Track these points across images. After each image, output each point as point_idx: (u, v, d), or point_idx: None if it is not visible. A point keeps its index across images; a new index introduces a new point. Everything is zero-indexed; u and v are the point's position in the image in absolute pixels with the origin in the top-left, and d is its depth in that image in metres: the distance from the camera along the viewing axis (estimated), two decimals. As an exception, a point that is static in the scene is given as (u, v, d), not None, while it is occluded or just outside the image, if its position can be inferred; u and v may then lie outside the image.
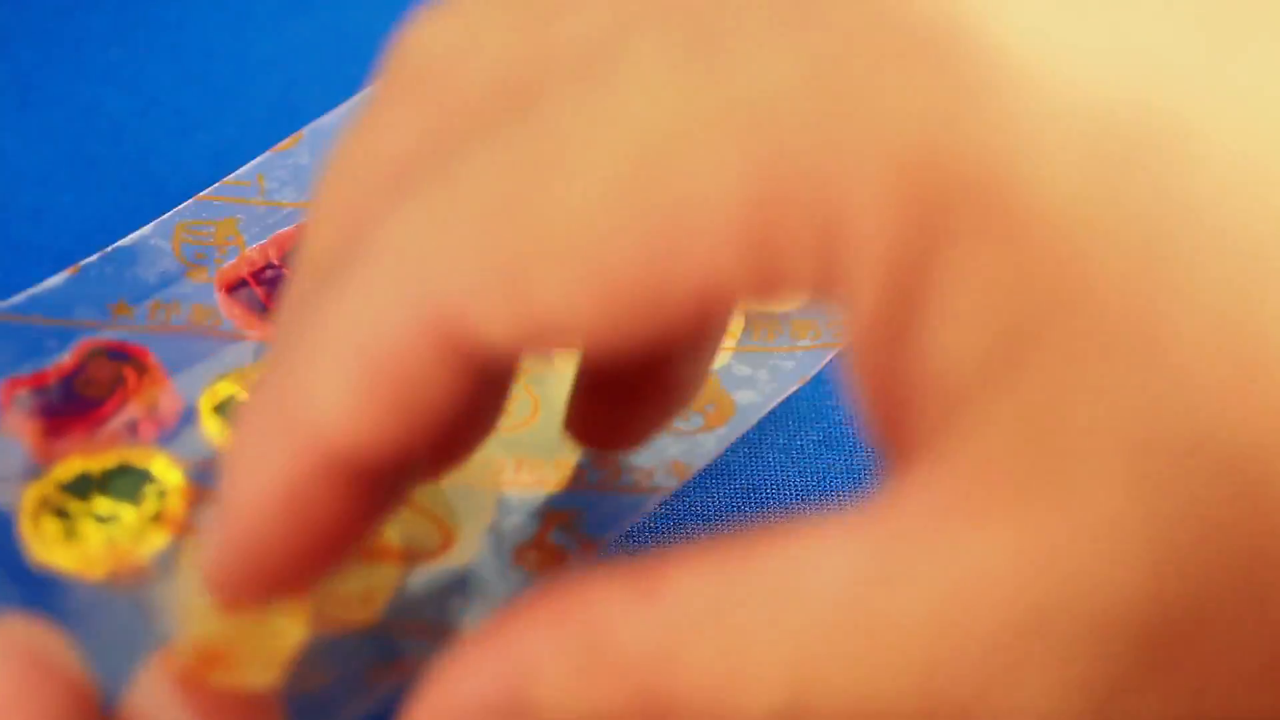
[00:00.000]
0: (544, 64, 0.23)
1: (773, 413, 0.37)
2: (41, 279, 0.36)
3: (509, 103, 0.23)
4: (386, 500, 0.25)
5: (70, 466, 0.33)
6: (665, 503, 0.36)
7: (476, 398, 0.24)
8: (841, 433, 0.37)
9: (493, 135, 0.22)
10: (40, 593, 0.31)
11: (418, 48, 0.25)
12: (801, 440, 0.37)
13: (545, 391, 0.35)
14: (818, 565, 0.21)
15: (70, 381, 0.34)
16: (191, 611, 0.30)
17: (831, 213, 0.21)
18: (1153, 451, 0.20)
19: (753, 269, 0.21)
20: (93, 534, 0.32)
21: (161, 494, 0.33)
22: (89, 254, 0.37)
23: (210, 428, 0.34)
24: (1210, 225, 0.20)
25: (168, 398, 0.34)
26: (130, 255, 0.36)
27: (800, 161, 0.21)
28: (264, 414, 0.24)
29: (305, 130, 0.38)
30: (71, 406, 0.34)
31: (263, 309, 0.36)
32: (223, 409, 0.34)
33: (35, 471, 0.33)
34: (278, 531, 0.24)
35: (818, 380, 0.38)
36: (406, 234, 0.22)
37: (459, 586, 0.32)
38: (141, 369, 0.34)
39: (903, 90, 0.20)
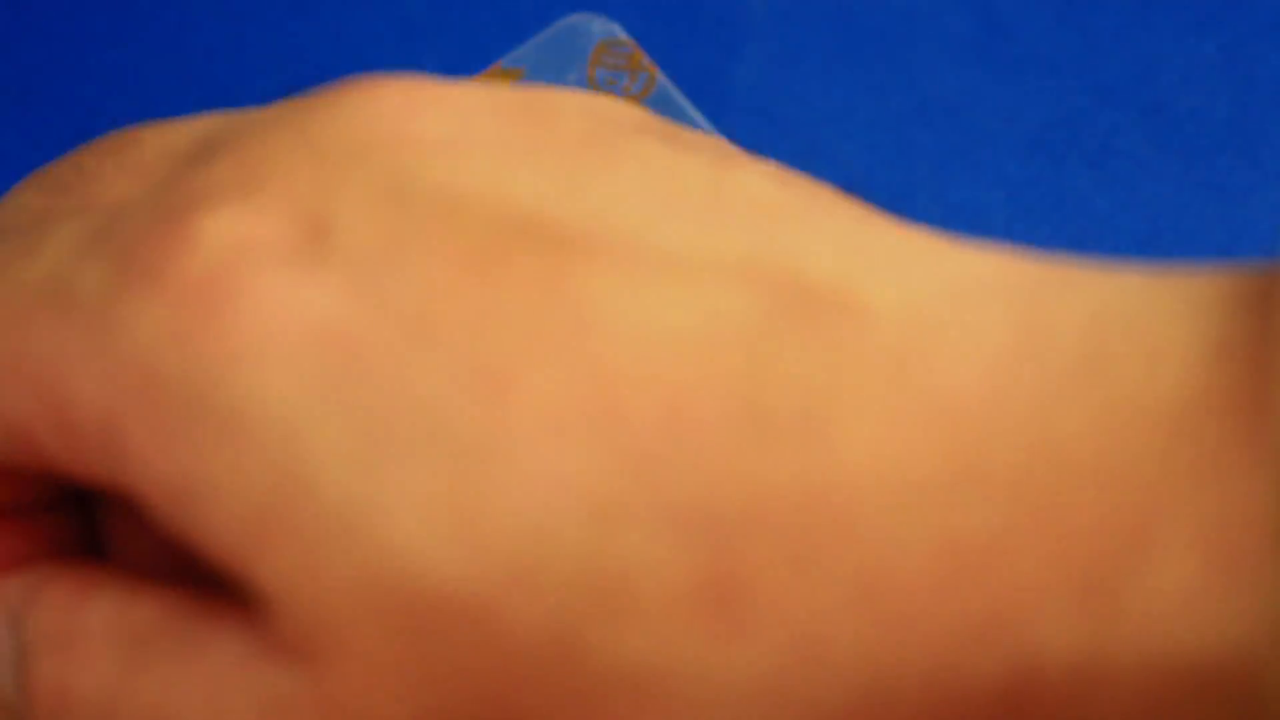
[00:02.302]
0: None
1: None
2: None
3: None
4: None
5: None
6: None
7: None
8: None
9: None
10: None
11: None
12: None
13: None
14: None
15: None
16: None
17: (107, 415, 0.25)
18: (395, 612, 0.24)
19: (59, 439, 0.26)
20: None
21: None
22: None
23: None
24: (421, 420, 0.24)
25: None
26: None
27: (87, 369, 0.25)
28: None
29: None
30: None
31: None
32: None
33: None
34: None
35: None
36: None
37: None
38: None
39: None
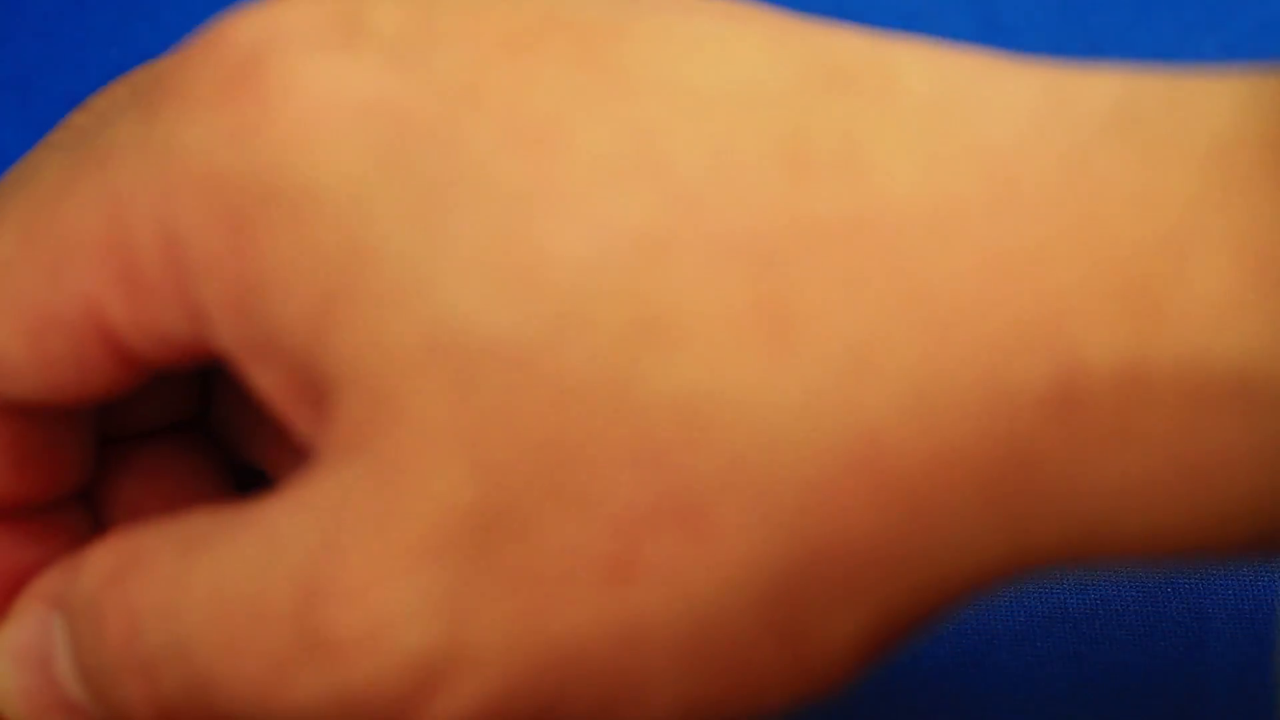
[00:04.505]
0: None
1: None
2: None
3: None
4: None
5: None
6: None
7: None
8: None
9: None
10: None
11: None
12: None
13: None
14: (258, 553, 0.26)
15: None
16: None
17: (169, 237, 0.25)
18: (450, 368, 0.24)
19: (125, 295, 0.26)
20: None
21: None
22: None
23: None
24: (473, 179, 0.24)
25: None
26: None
27: (139, 199, 0.26)
28: None
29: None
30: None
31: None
32: None
33: None
34: None
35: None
36: None
37: None
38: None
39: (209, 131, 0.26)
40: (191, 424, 0.32)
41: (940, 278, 0.24)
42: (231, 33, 0.25)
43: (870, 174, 0.24)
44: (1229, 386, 0.24)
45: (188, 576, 0.26)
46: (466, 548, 0.25)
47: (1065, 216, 0.24)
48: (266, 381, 0.26)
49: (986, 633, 0.35)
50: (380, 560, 0.25)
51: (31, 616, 0.28)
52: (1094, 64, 0.26)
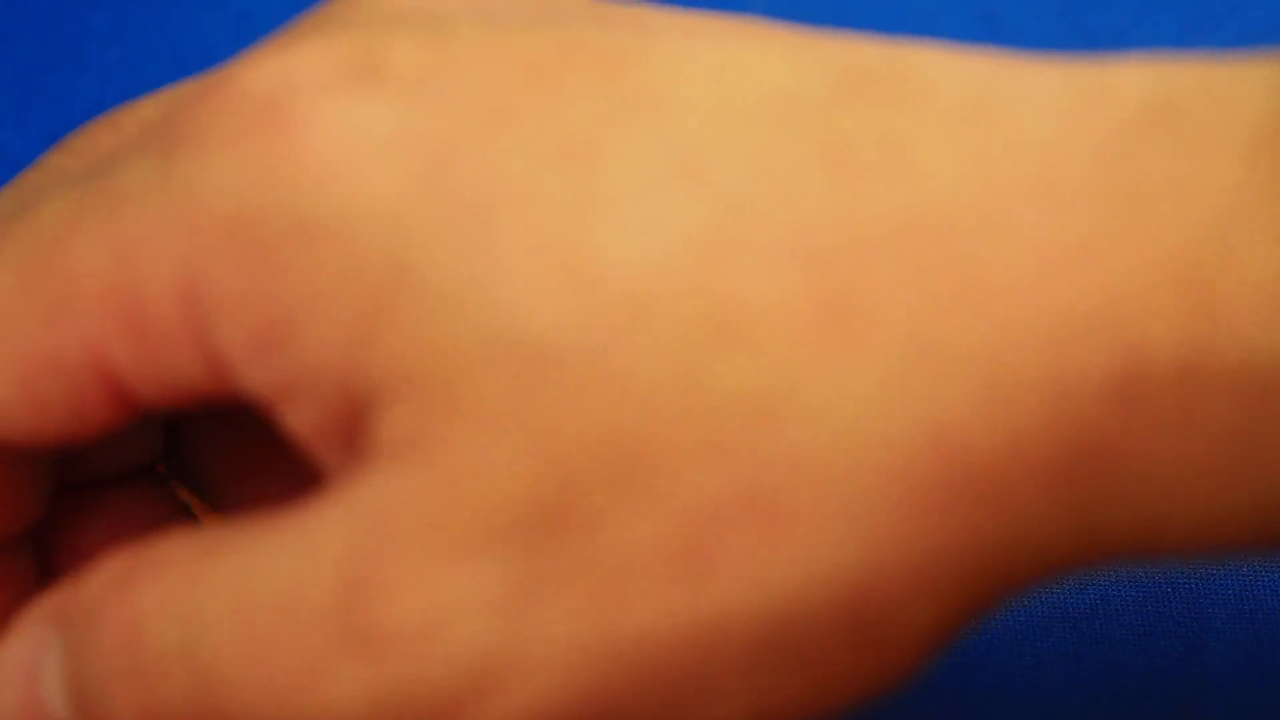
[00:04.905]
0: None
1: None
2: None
3: None
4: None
5: None
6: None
7: None
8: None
9: None
10: None
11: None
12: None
13: None
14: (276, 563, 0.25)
15: None
16: None
17: (187, 281, 0.25)
18: (512, 367, 0.24)
19: (132, 340, 0.25)
20: None
21: None
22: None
23: None
24: (515, 194, 0.24)
25: None
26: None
27: (154, 242, 0.25)
28: None
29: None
30: None
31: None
32: None
33: None
34: None
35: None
36: None
37: None
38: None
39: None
40: (146, 469, 0.31)
41: (997, 270, 0.24)
42: (246, 78, 0.25)
43: (913, 173, 0.24)
44: None
45: (206, 577, 0.25)
46: (529, 542, 0.24)
47: (1111, 207, 0.24)
48: (297, 419, 0.25)
49: (986, 633, 0.35)
50: (435, 552, 0.24)
51: (27, 633, 0.27)
52: (1113, 55, 0.26)
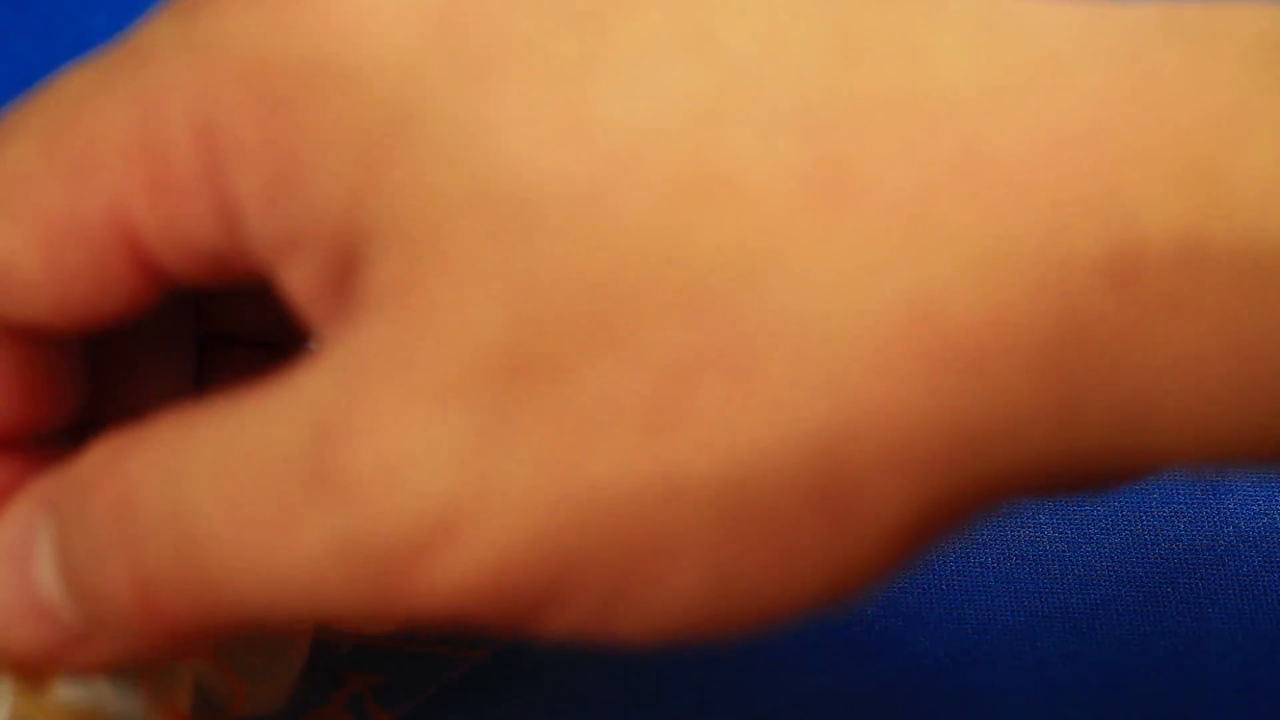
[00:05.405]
0: None
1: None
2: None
3: None
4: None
5: None
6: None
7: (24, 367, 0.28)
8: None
9: None
10: None
11: None
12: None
13: None
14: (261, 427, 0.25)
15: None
16: None
17: (205, 129, 0.25)
18: (497, 211, 0.24)
19: (152, 194, 0.25)
20: None
21: None
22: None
23: None
24: (525, 50, 0.25)
25: None
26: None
27: (175, 95, 0.25)
28: None
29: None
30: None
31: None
32: None
33: None
34: None
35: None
36: None
37: None
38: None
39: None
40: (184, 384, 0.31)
41: (997, 148, 0.24)
42: None
43: (921, 58, 0.25)
44: None
45: (193, 441, 0.25)
46: (496, 390, 0.24)
47: (1119, 97, 0.24)
48: (294, 277, 0.25)
49: (987, 633, 0.35)
50: (401, 398, 0.24)
51: (19, 517, 0.27)
52: None
